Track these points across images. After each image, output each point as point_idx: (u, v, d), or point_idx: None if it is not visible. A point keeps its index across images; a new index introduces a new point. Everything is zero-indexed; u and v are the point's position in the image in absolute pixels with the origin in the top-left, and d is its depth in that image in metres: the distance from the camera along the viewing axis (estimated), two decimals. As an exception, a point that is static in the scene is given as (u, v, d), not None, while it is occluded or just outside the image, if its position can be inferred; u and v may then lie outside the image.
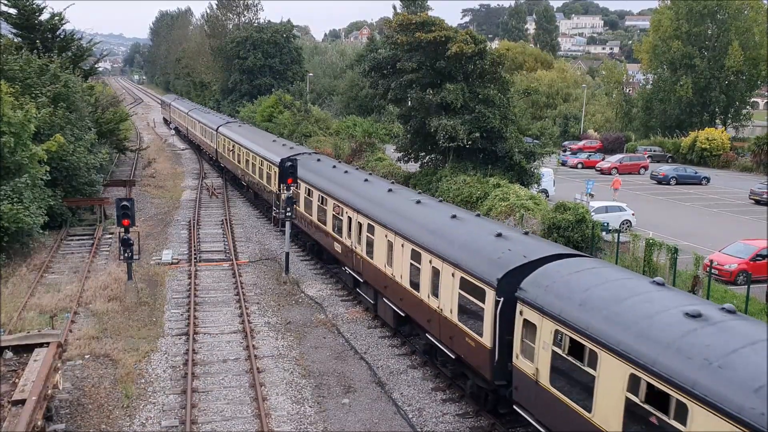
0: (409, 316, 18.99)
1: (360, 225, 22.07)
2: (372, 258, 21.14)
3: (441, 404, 16.77)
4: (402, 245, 18.86)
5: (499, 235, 16.40)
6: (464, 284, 15.57)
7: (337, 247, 24.53)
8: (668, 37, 71.37)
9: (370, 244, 21.29)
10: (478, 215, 19.68)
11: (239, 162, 41.82)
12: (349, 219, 22.94)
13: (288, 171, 25.56)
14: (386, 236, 19.98)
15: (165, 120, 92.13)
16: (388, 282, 19.98)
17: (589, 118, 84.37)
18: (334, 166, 29.13)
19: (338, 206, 24.08)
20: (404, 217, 19.95)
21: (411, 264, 18.27)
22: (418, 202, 20.97)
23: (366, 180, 25.35)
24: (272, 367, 18.51)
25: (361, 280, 22.58)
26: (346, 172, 27.60)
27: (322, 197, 25.95)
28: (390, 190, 23.16)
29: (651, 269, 24.53)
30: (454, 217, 18.56)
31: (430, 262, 17.11)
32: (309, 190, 27.59)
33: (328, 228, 25.34)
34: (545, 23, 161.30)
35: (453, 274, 16.00)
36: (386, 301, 20.20)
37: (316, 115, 66.98)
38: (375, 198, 22.59)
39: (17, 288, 23.83)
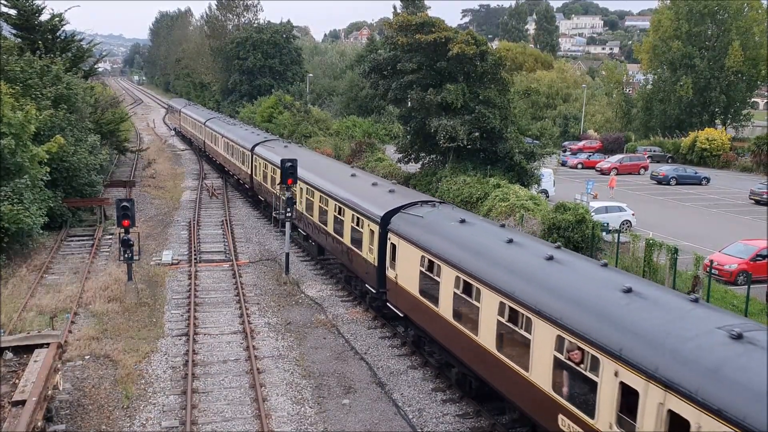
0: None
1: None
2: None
3: (441, 405, 16.76)
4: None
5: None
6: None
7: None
8: (668, 37, 71.36)
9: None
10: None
11: (306, 208, 28.38)
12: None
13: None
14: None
15: (175, 130, 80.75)
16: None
17: (589, 119, 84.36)
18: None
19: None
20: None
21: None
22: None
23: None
24: (272, 368, 18.51)
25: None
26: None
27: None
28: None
29: (651, 270, 24.54)
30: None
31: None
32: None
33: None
34: (545, 23, 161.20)
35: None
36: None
37: (315, 116, 67.00)
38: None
39: (17, 288, 23.83)
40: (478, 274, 14.99)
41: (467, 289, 15.42)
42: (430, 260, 17.21)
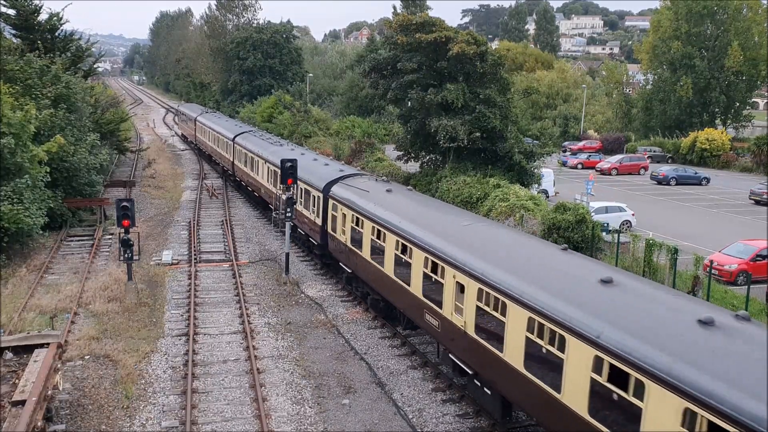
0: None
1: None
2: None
3: (441, 405, 16.76)
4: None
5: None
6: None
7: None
8: (668, 38, 71.38)
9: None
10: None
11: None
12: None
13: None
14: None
15: (183, 136, 72.52)
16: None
17: (589, 119, 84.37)
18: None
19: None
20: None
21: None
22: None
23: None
24: (272, 368, 18.50)
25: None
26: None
27: None
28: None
29: (651, 270, 24.54)
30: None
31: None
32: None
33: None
34: (545, 24, 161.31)
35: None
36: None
37: (315, 116, 67.04)
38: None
39: (17, 288, 23.83)
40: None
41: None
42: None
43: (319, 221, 26.24)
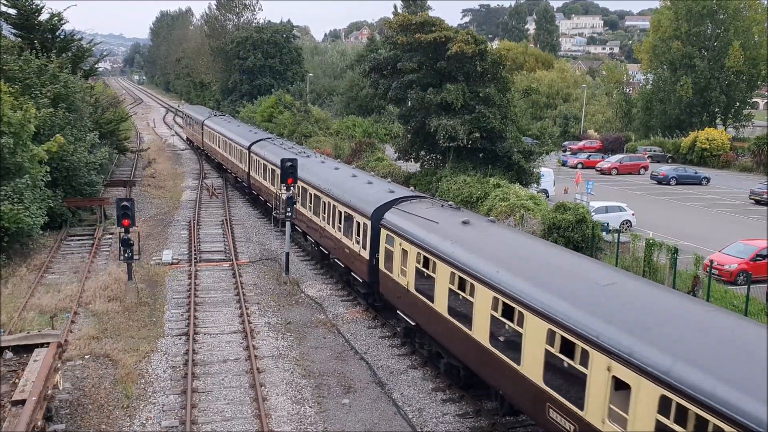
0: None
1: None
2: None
3: (441, 404, 16.76)
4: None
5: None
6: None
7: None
8: (668, 38, 71.38)
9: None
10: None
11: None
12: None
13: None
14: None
15: (188, 140, 68.79)
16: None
17: (589, 118, 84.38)
18: None
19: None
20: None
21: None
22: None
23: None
24: (272, 368, 18.50)
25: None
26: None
27: None
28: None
29: (651, 269, 24.53)
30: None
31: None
32: None
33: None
34: (545, 23, 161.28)
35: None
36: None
37: (315, 116, 67.06)
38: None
39: (17, 288, 23.83)
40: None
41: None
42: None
43: (365, 254, 21.74)
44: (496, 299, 14.17)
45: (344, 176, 26.40)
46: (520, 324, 13.23)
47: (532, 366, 12.87)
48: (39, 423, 12.71)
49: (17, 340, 15.52)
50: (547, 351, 12.43)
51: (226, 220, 35.82)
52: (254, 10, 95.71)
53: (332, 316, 22.64)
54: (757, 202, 45.19)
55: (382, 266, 20.59)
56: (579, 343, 11.58)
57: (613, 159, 60.87)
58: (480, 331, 14.77)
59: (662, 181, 53.52)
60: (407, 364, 19.09)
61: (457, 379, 17.18)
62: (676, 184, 53.16)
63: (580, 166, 61.56)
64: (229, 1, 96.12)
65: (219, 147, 48.38)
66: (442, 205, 20.39)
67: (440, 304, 16.74)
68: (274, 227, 33.67)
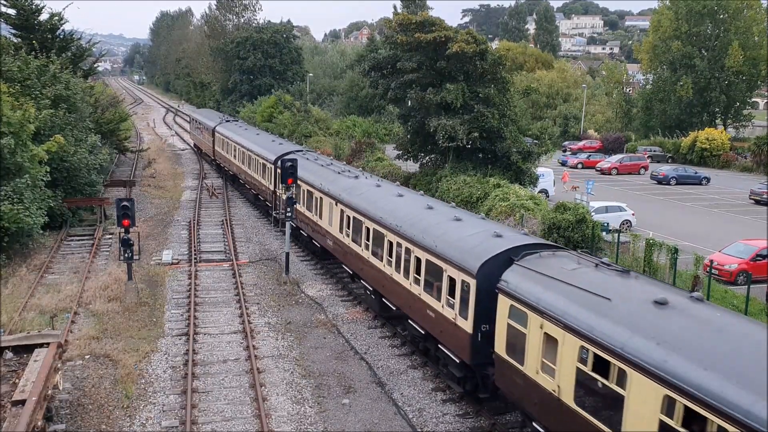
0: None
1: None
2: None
3: (441, 404, 16.76)
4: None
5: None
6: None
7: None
8: (668, 38, 71.36)
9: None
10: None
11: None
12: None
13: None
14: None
15: (196, 148, 62.71)
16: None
17: (589, 118, 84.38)
18: None
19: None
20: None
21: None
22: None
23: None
24: (272, 368, 18.51)
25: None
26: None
27: None
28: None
29: (651, 269, 24.54)
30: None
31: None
32: None
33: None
34: (545, 23, 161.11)
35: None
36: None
37: (316, 116, 67.07)
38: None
39: (17, 288, 23.82)
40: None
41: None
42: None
43: (465, 326, 15.26)
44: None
45: (416, 208, 20.08)
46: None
47: None
48: (39, 423, 12.71)
49: (17, 340, 15.53)
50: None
51: (226, 220, 35.82)
52: (254, 10, 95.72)
53: (332, 316, 22.65)
54: (757, 202, 45.18)
55: (501, 350, 14.33)
56: None
57: (613, 159, 60.84)
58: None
59: (662, 181, 53.51)
60: (407, 364, 19.09)
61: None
62: (676, 184, 53.15)
63: (580, 166, 61.58)
64: (229, 1, 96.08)
65: (234, 158, 42.90)
66: (597, 265, 13.82)
67: None
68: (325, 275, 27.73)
